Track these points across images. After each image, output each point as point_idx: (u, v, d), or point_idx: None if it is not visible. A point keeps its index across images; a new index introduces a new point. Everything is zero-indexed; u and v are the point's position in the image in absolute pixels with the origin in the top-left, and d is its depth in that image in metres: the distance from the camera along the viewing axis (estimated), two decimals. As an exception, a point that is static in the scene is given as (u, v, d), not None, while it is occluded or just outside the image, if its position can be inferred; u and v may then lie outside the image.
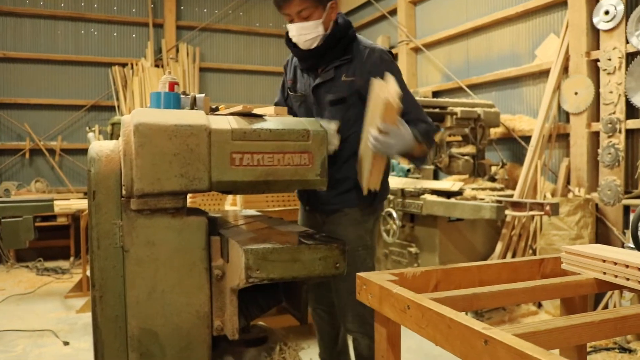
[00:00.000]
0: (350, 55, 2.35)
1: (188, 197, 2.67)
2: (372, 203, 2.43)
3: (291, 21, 2.31)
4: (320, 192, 2.35)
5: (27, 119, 7.56)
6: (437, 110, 4.91)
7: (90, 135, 6.49)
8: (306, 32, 2.28)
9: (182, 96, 2.05)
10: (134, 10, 8.11)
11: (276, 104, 2.67)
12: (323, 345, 2.89)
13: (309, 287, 2.49)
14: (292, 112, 2.62)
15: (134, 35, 8.15)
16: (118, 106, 7.81)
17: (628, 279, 1.49)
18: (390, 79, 2.09)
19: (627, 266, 1.49)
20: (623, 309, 1.26)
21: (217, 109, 2.14)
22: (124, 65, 7.95)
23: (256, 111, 1.95)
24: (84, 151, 7.62)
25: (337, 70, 2.35)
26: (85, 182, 6.57)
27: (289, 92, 2.60)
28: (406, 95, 2.27)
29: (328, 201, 2.43)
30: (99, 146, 1.84)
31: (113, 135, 6.15)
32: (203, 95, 2.08)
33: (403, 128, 2.12)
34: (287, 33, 2.41)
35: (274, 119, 1.94)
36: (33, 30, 7.64)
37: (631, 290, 1.50)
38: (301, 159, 1.87)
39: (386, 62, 2.33)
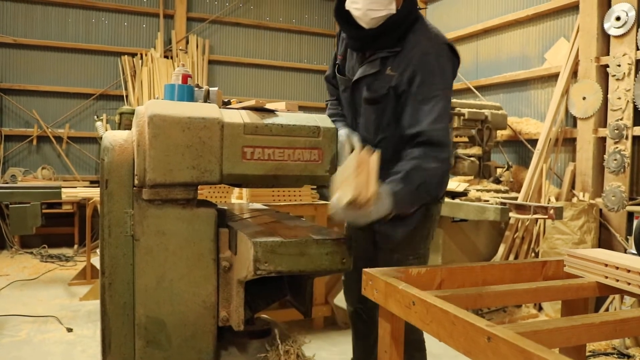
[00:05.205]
0: (400, 47, 2.02)
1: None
2: (427, 205, 2.17)
3: None
4: None
5: (35, 105, 7.59)
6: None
7: (98, 124, 6.51)
8: (377, 8, 1.95)
9: (195, 89, 2.08)
10: (144, 0, 8.13)
11: (326, 78, 2.44)
12: (360, 350, 2.55)
13: (348, 286, 2.49)
14: (336, 91, 2.38)
15: (144, 26, 8.17)
16: (126, 96, 7.84)
17: (629, 284, 1.51)
18: (374, 156, 1.72)
19: (628, 271, 1.51)
20: (623, 312, 1.29)
21: (229, 103, 2.16)
22: (133, 55, 7.97)
23: (268, 106, 1.98)
24: (91, 140, 7.68)
25: (383, 62, 2.04)
26: (92, 170, 6.58)
27: (337, 73, 2.28)
28: (427, 104, 1.97)
29: None
30: (113, 136, 1.87)
31: (121, 124, 6.19)
32: (216, 88, 2.10)
33: (378, 204, 1.77)
34: (339, 1, 2.09)
35: (285, 114, 1.96)
36: (44, 18, 7.66)
37: (631, 294, 1.53)
38: (311, 155, 1.89)
39: (428, 54, 1.99)
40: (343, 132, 2.09)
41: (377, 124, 2.11)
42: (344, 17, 2.07)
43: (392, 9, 1.96)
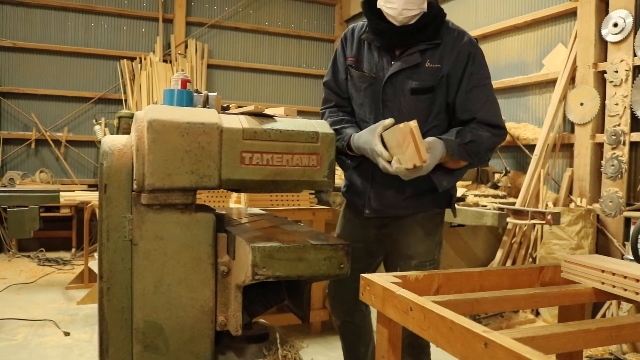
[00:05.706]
0: (439, 39, 2.09)
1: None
2: (446, 207, 2.25)
3: None
4: (385, 194, 2.20)
5: (34, 109, 7.60)
6: (442, 115, 4.93)
7: (97, 128, 6.54)
8: (412, 7, 2.02)
9: (194, 94, 2.09)
10: (144, 4, 8.15)
11: (325, 83, 2.38)
12: None
13: (336, 298, 2.50)
14: (343, 95, 2.32)
15: (143, 30, 8.19)
16: (125, 100, 7.85)
17: (625, 290, 1.52)
18: (413, 124, 1.83)
19: (625, 277, 1.52)
20: (619, 318, 1.29)
21: (228, 108, 2.17)
22: (132, 59, 7.98)
23: (267, 111, 1.99)
24: (90, 143, 7.68)
25: (422, 54, 2.09)
26: (90, 174, 6.58)
27: (353, 70, 2.25)
28: (478, 91, 2.11)
29: (396, 204, 2.20)
30: (112, 140, 1.88)
31: (119, 128, 6.20)
32: (215, 93, 2.11)
33: (432, 155, 1.92)
34: (365, 2, 2.15)
35: (284, 119, 1.97)
36: (43, 21, 7.68)
37: (628, 300, 1.54)
38: (309, 160, 1.90)
39: (475, 48, 2.11)
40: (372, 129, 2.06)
41: (427, 114, 2.14)
42: (375, 15, 2.11)
43: (424, 7, 2.06)
